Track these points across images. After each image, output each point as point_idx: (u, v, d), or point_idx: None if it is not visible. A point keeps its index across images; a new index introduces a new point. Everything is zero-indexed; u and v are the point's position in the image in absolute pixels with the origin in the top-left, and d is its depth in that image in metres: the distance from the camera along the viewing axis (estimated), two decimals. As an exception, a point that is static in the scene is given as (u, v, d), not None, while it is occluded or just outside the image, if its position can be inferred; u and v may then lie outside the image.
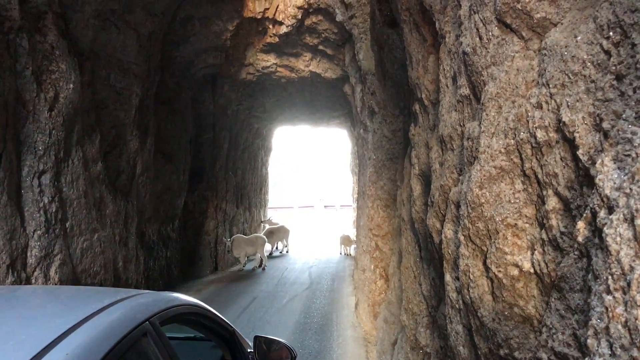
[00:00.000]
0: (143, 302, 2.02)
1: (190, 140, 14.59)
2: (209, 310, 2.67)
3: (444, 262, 2.26)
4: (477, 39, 1.93)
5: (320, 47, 12.56)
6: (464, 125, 2.17)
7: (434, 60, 3.12)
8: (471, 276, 1.88)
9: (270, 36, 12.47)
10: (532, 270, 1.63)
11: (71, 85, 6.85)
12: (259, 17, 11.74)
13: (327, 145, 61.53)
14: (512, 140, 1.68)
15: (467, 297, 1.92)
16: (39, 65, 6.45)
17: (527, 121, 1.62)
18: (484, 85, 1.89)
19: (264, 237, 17.34)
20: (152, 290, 2.50)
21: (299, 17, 11.48)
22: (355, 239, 18.20)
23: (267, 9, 11.66)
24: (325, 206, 48.45)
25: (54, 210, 6.54)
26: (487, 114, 1.80)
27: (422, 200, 3.44)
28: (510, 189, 1.71)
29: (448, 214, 2.23)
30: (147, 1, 9.13)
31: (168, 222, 13.54)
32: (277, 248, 21.53)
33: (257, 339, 3.11)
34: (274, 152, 26.68)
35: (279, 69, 14.08)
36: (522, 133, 1.63)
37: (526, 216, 1.66)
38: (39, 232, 6.27)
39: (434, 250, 2.75)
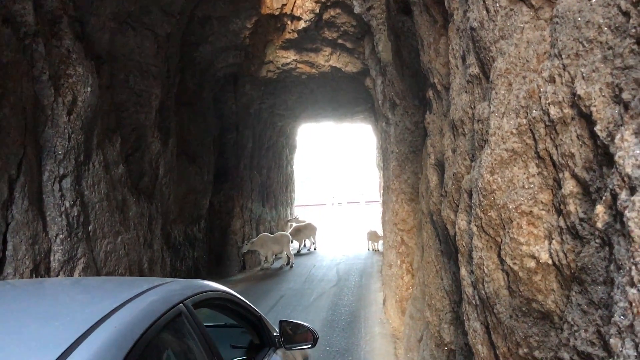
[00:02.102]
0: (177, 287, 2.25)
1: (213, 141, 14.61)
2: (237, 297, 2.87)
3: (459, 255, 2.11)
4: (484, 12, 1.77)
5: (340, 41, 12.41)
6: (474, 108, 2.01)
7: (445, 42, 2.95)
8: (485, 269, 1.73)
9: (289, 32, 12.37)
10: (550, 262, 1.48)
11: (89, 89, 6.85)
12: (277, 13, 11.64)
13: (353, 141, 61.22)
14: (523, 120, 1.53)
15: (483, 292, 1.77)
16: (55, 69, 6.46)
17: (540, 97, 1.46)
18: (493, 62, 1.73)
19: (289, 235, 17.30)
20: (182, 279, 2.70)
21: (317, 11, 11.35)
22: (382, 234, 18.02)
23: (285, 4, 11.55)
24: (339, 203, 48.39)
25: (75, 214, 6.55)
26: (496, 93, 1.64)
27: (438, 191, 3.27)
28: (524, 173, 1.55)
29: (461, 204, 2.07)
30: (164, 2, 9.11)
31: (194, 223, 13.59)
32: (304, 246, 21.49)
33: (282, 323, 3.34)
34: (299, 150, 26.61)
35: (299, 65, 13.97)
36: (534, 111, 1.48)
37: (542, 202, 1.50)
38: (61, 236, 6.28)
39: (451, 243, 2.60)
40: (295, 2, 11.56)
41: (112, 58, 8.19)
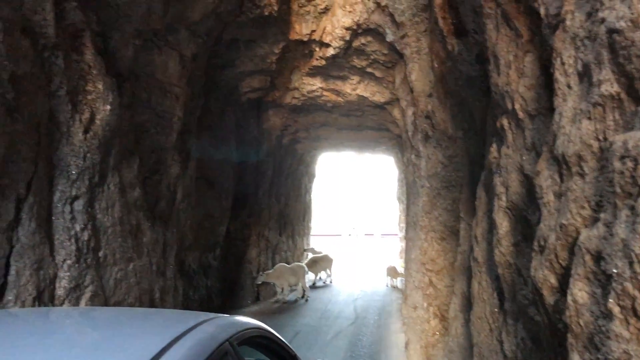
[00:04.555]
0: (222, 323, 2.21)
1: (233, 166, 14.25)
2: (274, 334, 2.84)
3: (570, 335, 1.59)
4: (640, 6, 1.31)
5: (369, 69, 12.03)
6: (605, 139, 1.53)
7: (532, 60, 2.48)
8: (635, 369, 1.22)
9: (317, 59, 12.03)
10: None
11: (108, 107, 6.48)
12: (306, 39, 11.31)
13: (371, 171, 60.61)
14: None
15: (625, 398, 1.26)
16: (74, 85, 6.10)
17: None
18: (656, 75, 1.25)
19: (305, 266, 16.73)
20: (225, 314, 2.63)
21: (347, 38, 10.99)
22: (402, 270, 17.39)
23: (314, 31, 11.22)
24: (356, 235, 47.84)
25: (86, 239, 6.12)
26: (669, 119, 1.16)
27: (510, 239, 2.77)
28: None
29: (578, 268, 1.57)
30: (191, 22, 8.82)
31: (209, 250, 13.13)
32: (320, 278, 20.84)
33: None
34: (318, 179, 26.19)
35: (324, 92, 13.63)
36: None
37: None
38: (69, 261, 5.84)
39: (543, 312, 2.08)
40: (325, 29, 11.23)
41: (134, 76, 7.85)
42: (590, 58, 1.60)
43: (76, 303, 5.94)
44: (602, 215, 1.49)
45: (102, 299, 6.44)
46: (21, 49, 5.17)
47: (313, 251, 22.37)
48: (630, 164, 1.31)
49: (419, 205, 9.00)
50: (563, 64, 1.82)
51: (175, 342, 1.71)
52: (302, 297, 15.80)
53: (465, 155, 6.12)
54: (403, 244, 19.16)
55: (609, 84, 1.47)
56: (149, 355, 1.56)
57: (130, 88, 7.73)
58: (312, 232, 26.50)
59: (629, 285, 1.23)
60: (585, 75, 1.68)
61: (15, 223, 5.15)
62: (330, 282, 20.70)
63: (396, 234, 28.50)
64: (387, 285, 19.48)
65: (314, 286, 19.11)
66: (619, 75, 1.44)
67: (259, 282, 15.05)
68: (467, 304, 4.57)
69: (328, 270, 20.65)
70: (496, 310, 3.22)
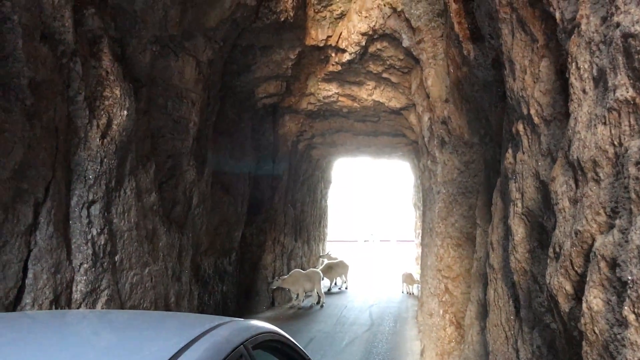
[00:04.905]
0: (237, 327, 2.22)
1: (249, 172, 14.31)
2: (290, 340, 2.82)
3: (585, 343, 1.57)
4: (657, 9, 1.28)
5: (385, 74, 12.02)
6: (620, 145, 1.50)
7: (548, 64, 2.45)
8: (652, 380, 1.19)
9: (333, 64, 12.05)
10: None
11: (125, 112, 6.54)
12: (322, 45, 11.34)
13: (386, 177, 60.27)
14: None
15: (641, 409, 1.23)
16: (92, 90, 6.17)
17: None
18: (672, 80, 1.23)
19: (320, 272, 16.70)
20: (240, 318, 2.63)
21: (363, 44, 11.00)
22: (418, 277, 17.29)
23: (330, 36, 11.25)
24: (372, 240, 47.63)
25: (102, 243, 6.18)
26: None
27: (525, 246, 2.73)
28: None
29: (593, 275, 1.54)
30: (207, 28, 8.89)
31: (225, 255, 13.17)
32: (335, 284, 20.79)
33: None
34: (334, 185, 26.14)
35: (340, 98, 13.63)
36: None
37: None
38: (85, 265, 5.89)
39: (558, 320, 2.05)
40: (340, 34, 11.25)
41: (151, 82, 7.93)
42: (605, 63, 1.58)
43: (92, 307, 5.99)
44: (617, 221, 1.47)
45: (118, 303, 6.49)
46: (40, 55, 5.24)
47: (329, 257, 22.31)
48: (646, 170, 1.28)
49: (435, 211, 8.94)
50: (578, 68, 1.80)
51: (191, 345, 1.72)
52: (318, 303, 15.77)
53: (481, 161, 6.07)
54: (419, 251, 19.06)
55: (624, 89, 1.45)
56: (165, 357, 1.58)
57: (147, 94, 7.80)
58: (328, 238, 26.44)
59: (645, 294, 1.21)
60: (600, 80, 1.65)
61: (33, 227, 5.20)
62: (346, 288, 20.64)
63: (412, 240, 28.34)
64: (402, 292, 19.38)
65: (329, 292, 19.06)
66: (634, 80, 1.41)
67: (274, 288, 15.07)
68: (483, 311, 4.52)
69: (344, 277, 20.60)
70: (512, 317, 3.18)
